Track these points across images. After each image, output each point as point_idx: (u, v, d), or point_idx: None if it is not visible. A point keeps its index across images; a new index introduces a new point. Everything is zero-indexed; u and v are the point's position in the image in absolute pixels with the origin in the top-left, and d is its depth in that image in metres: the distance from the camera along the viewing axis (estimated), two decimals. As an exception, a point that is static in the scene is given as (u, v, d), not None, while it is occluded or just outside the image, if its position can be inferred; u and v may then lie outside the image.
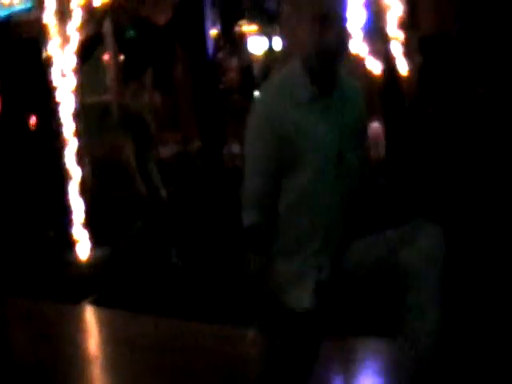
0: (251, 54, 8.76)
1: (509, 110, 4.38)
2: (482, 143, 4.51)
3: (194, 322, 5.40)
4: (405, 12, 5.19)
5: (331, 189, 2.55)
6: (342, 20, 2.42)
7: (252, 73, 8.62)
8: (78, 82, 7.45)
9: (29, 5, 7.88)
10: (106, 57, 9.57)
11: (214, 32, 6.97)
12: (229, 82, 8.32)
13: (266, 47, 8.51)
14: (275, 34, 8.02)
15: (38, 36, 8.25)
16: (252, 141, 2.57)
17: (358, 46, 5.10)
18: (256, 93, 7.32)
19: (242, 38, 8.48)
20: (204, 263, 6.31)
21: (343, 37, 2.47)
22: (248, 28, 8.36)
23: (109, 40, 9.01)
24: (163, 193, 7.03)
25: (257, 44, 8.43)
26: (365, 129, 2.78)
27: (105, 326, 5.87)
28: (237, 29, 8.11)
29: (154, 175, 7.05)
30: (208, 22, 6.62)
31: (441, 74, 4.91)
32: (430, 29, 5.45)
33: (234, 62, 8.86)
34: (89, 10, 7.09)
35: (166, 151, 8.52)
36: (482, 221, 4.40)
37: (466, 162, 4.56)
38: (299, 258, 2.57)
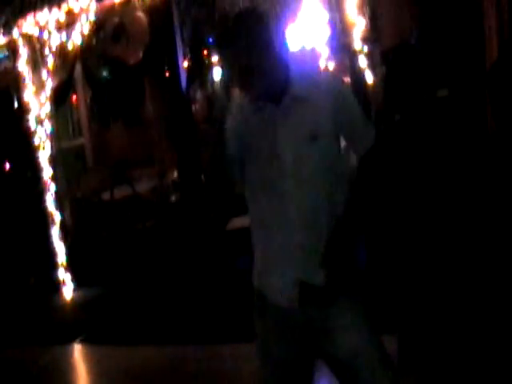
0: (217, 83, 8.94)
1: (469, 111, 4.60)
2: (446, 144, 4.66)
3: (181, 346, 5.57)
4: (367, 27, 5.44)
5: (288, 192, 2.62)
6: (264, 75, 2.51)
7: (216, 103, 8.77)
8: (53, 128, 7.61)
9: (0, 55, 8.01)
10: (76, 100, 9.71)
11: (184, 65, 7.18)
12: (197, 113, 8.48)
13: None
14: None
15: (10, 86, 8.42)
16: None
17: (325, 61, 5.34)
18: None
19: (207, 69, 8.68)
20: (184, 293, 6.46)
21: (269, 84, 2.55)
22: (212, 58, 8.58)
23: (79, 84, 9.16)
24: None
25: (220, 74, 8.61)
26: (344, 126, 2.69)
27: (97, 362, 5.89)
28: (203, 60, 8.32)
29: None
30: (180, 57, 6.83)
31: (404, 83, 5.14)
32: (391, 41, 5.69)
33: (201, 93, 9.06)
34: (61, 55, 7.24)
35: (141, 186, 8.67)
36: (447, 223, 4.53)
37: (431, 165, 4.70)
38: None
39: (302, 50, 5.36)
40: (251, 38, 2.47)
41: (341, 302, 2.64)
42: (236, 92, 2.77)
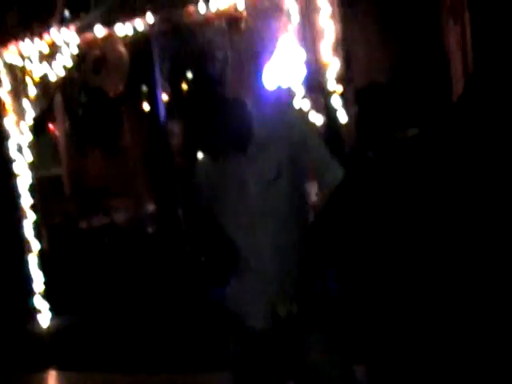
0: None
1: (440, 149, 4.74)
2: (418, 183, 4.79)
3: (154, 375, 5.65)
4: (341, 67, 5.61)
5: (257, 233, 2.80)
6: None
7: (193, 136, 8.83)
8: (33, 156, 7.69)
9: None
10: (54, 129, 9.77)
11: (163, 99, 7.33)
12: (174, 146, 8.60)
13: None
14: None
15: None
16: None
17: (300, 101, 5.49)
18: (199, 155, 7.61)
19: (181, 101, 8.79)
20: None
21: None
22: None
23: (59, 113, 9.24)
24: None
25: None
26: (310, 149, 2.89)
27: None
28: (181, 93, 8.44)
29: None
30: (159, 90, 6.98)
31: (376, 121, 5.28)
32: (363, 81, 5.87)
33: (178, 126, 9.15)
34: (42, 85, 7.34)
35: (118, 217, 8.75)
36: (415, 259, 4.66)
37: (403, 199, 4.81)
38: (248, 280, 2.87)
39: (278, 89, 5.52)
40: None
41: (313, 335, 2.79)
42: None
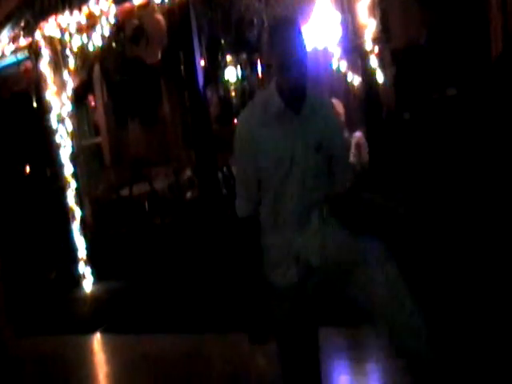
0: (228, 83, 9.09)
1: (479, 109, 4.75)
2: (457, 142, 4.82)
3: (198, 334, 5.80)
4: (378, 28, 5.63)
5: (296, 194, 2.90)
6: (300, 62, 2.80)
7: (230, 102, 8.91)
8: (74, 126, 7.86)
9: (20, 57, 8.22)
10: (94, 99, 9.91)
11: (201, 66, 7.38)
12: (211, 112, 8.64)
13: (241, 77, 8.80)
14: (251, 64, 8.40)
15: (30, 86, 8.65)
16: (237, 150, 2.99)
17: (337, 61, 5.53)
18: (235, 121, 7.68)
19: (222, 70, 8.84)
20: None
21: (302, 72, 2.80)
22: (227, 59, 8.76)
23: (98, 84, 9.36)
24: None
25: (233, 74, 8.75)
26: (338, 142, 3.02)
27: (117, 350, 6.10)
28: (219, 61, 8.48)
29: None
30: (197, 58, 7.02)
31: (413, 82, 5.31)
32: (401, 42, 5.87)
33: (215, 93, 9.21)
34: (81, 56, 7.47)
35: (158, 184, 8.88)
36: (468, 219, 4.69)
37: (444, 161, 4.85)
38: (279, 239, 2.97)
39: (315, 51, 5.55)
40: (300, 38, 2.79)
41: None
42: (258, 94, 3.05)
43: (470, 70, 5.04)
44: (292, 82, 2.80)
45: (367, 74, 5.47)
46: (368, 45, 5.57)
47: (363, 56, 5.49)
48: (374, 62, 5.57)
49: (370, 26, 5.59)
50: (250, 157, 2.90)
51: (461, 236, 4.44)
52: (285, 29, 2.81)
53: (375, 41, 5.53)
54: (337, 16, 5.62)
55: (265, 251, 3.00)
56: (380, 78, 5.53)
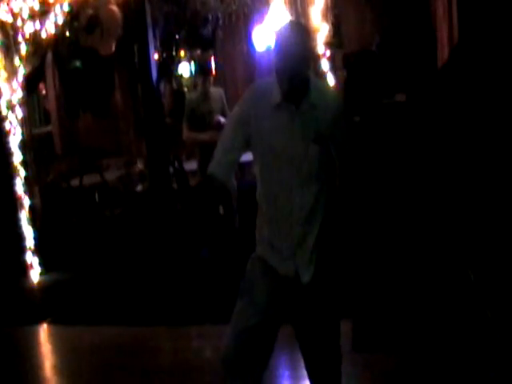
0: (182, 78, 9.09)
1: (424, 114, 4.87)
2: (403, 145, 4.93)
3: (145, 327, 5.86)
4: (330, 32, 5.70)
5: (288, 187, 3.01)
6: (295, 56, 2.89)
7: (183, 97, 8.92)
8: (24, 114, 7.75)
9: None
10: (46, 87, 9.78)
11: (155, 59, 7.37)
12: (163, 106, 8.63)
13: (194, 72, 8.82)
14: (204, 59, 8.42)
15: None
16: (233, 113, 3.15)
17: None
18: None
19: (175, 64, 8.83)
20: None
21: (298, 65, 2.90)
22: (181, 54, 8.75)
23: (50, 72, 9.25)
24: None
25: (186, 69, 8.76)
26: (338, 131, 3.08)
27: (64, 341, 6.11)
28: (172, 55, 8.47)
29: None
30: (152, 51, 7.01)
31: (364, 87, 5.41)
32: (353, 46, 5.95)
33: (168, 86, 9.20)
34: (34, 43, 7.37)
35: (109, 175, 8.84)
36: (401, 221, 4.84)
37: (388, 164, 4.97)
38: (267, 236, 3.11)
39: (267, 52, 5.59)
40: (302, 45, 2.91)
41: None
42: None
43: (417, 77, 5.17)
44: (288, 82, 2.91)
45: (318, 77, 5.55)
46: (320, 48, 5.65)
47: (315, 59, 5.56)
48: (325, 65, 5.65)
49: (322, 30, 5.66)
50: (239, 130, 3.05)
51: (395, 243, 4.59)
52: (286, 33, 2.94)
53: (327, 45, 5.61)
54: (290, 18, 5.67)
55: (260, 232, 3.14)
56: (331, 81, 5.62)
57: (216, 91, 7.12)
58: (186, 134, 7.04)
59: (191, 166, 7.84)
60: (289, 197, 3.01)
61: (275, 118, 2.97)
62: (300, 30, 3.00)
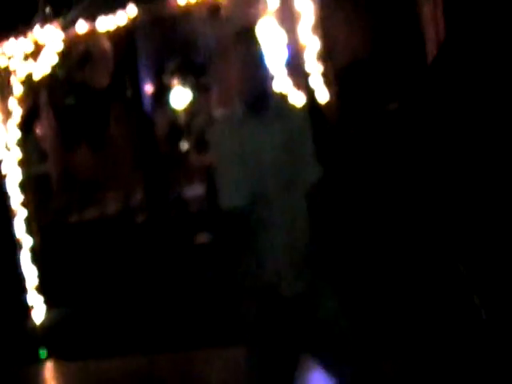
0: (175, 105, 9.12)
1: (421, 123, 4.88)
2: (400, 155, 4.94)
3: (150, 355, 5.81)
4: (321, 47, 5.75)
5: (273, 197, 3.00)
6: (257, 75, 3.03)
7: (178, 123, 8.96)
8: (22, 154, 7.78)
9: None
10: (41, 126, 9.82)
11: (147, 89, 7.44)
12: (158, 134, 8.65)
13: (188, 98, 8.84)
14: (198, 86, 8.46)
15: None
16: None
17: (281, 81, 5.62)
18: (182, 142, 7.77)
19: (167, 92, 8.87)
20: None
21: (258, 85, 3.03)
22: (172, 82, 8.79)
23: (45, 110, 9.30)
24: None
25: (179, 96, 8.80)
26: (304, 142, 3.12)
27: (70, 376, 6.08)
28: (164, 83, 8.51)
29: None
30: (143, 81, 7.10)
31: (357, 98, 5.44)
32: (344, 58, 6.00)
33: (161, 114, 9.23)
34: (28, 83, 7.43)
35: (109, 209, 8.81)
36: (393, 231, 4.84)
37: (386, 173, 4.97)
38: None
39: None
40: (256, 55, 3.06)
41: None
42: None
43: (408, 84, 5.20)
44: (249, 92, 3.02)
45: (310, 92, 5.59)
46: (311, 63, 5.68)
47: (306, 74, 5.61)
48: (317, 80, 5.68)
49: (313, 46, 5.70)
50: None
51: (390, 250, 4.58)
52: (243, 43, 3.09)
53: (319, 58, 5.65)
54: (282, 37, 5.73)
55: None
56: (324, 96, 5.65)
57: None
58: (194, 157, 7.19)
59: (194, 191, 7.81)
60: (269, 208, 2.99)
61: (243, 131, 3.04)
62: (255, 42, 3.13)
